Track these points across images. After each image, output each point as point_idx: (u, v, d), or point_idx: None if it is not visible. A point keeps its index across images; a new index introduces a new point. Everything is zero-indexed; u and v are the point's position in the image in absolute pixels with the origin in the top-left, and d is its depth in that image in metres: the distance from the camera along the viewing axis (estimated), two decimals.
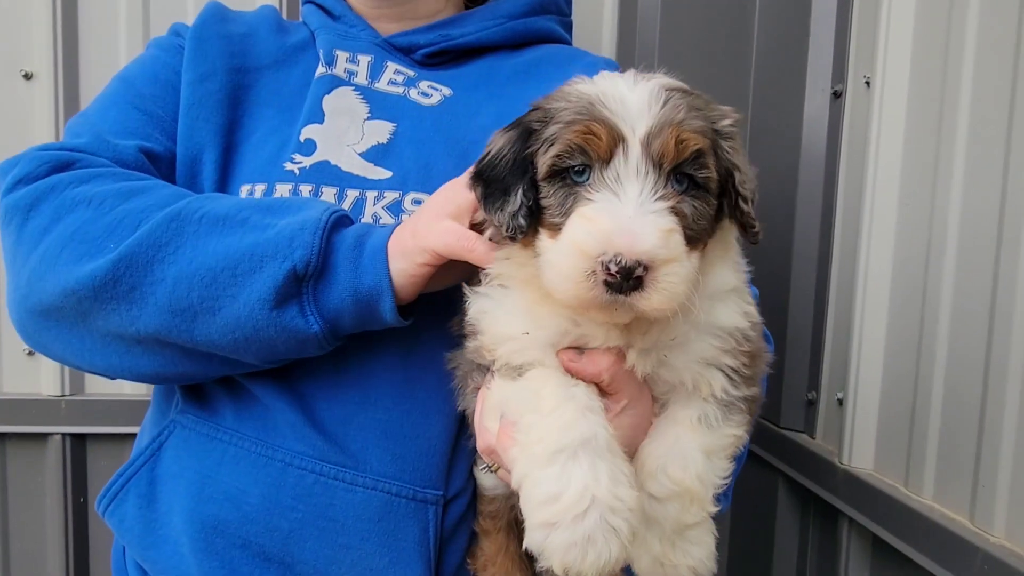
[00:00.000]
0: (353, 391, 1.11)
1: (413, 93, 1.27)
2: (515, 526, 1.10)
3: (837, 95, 1.80)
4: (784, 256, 1.95)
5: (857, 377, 1.62)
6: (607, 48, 2.11)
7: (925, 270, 1.47)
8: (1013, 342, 1.25)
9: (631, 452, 0.93)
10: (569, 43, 1.51)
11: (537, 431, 0.85)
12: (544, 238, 0.87)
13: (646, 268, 0.77)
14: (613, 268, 0.76)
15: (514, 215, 0.87)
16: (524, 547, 0.85)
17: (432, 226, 0.99)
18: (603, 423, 0.86)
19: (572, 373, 0.91)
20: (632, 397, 0.93)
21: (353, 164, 1.18)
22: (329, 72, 1.25)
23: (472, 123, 1.23)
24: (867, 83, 1.66)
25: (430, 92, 1.27)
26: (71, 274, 1.00)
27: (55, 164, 1.09)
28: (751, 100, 2.09)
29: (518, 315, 0.92)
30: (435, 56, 1.33)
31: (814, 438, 1.86)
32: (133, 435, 1.32)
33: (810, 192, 1.88)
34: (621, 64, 2.09)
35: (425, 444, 1.11)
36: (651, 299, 0.78)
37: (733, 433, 0.95)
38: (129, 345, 1.05)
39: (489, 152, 0.93)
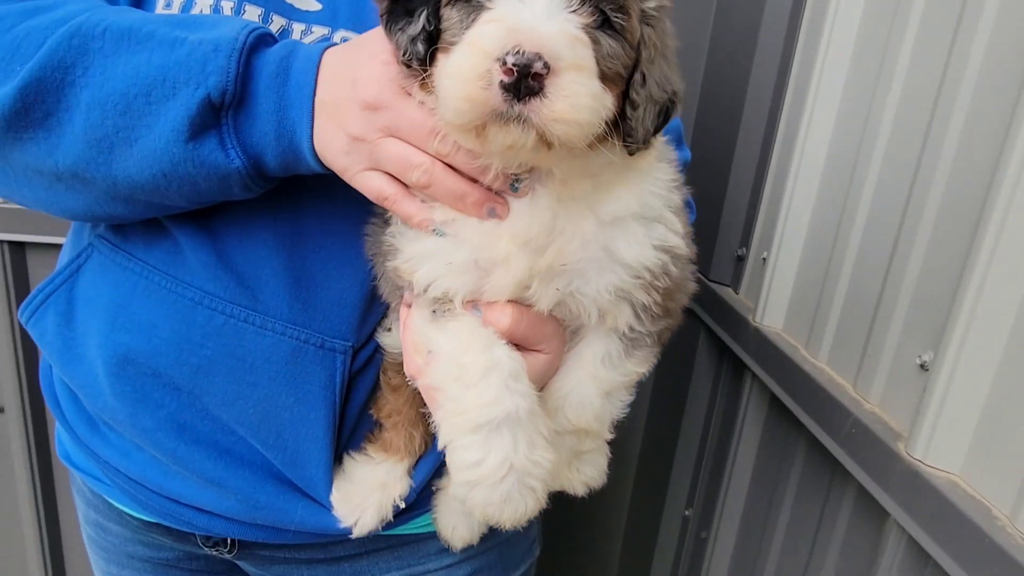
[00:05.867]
0: (266, 234, 1.07)
1: None
2: None
3: None
4: (735, 112, 1.88)
5: (782, 239, 1.63)
6: None
7: (860, 142, 1.43)
8: (922, 221, 1.25)
9: (541, 385, 0.96)
10: None
11: (462, 404, 0.86)
12: (442, 61, 0.78)
13: (547, 67, 0.69)
14: (510, 60, 0.68)
15: (413, 39, 0.80)
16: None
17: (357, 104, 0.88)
18: (526, 391, 0.87)
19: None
20: (545, 341, 0.94)
21: None
22: None
23: None
24: None
25: None
26: None
27: None
28: None
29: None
30: None
31: (737, 294, 1.90)
32: None
33: (769, 49, 1.77)
34: None
35: (337, 295, 1.09)
36: (554, 105, 0.70)
37: (635, 371, 0.98)
38: (51, 181, 0.99)
39: None
